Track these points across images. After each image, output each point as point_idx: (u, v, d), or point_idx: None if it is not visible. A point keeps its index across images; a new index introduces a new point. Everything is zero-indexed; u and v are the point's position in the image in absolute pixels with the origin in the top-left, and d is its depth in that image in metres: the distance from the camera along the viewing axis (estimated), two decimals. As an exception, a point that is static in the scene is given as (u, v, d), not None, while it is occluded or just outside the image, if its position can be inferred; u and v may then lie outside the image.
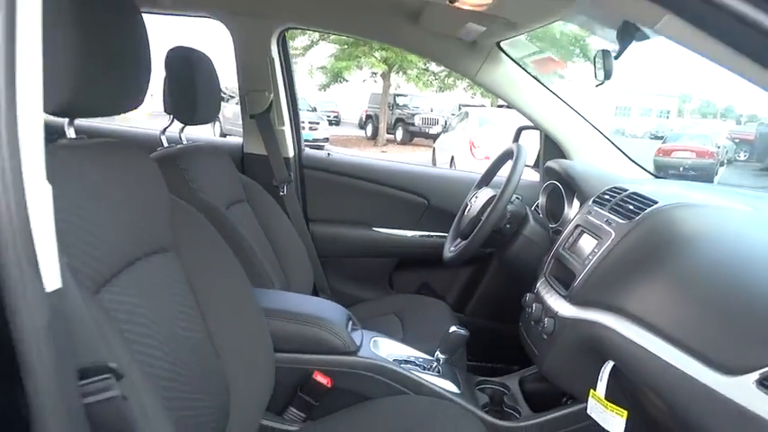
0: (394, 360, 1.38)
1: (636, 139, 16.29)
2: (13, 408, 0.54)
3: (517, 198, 1.72)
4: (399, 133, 17.10)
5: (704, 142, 13.27)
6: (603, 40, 1.55)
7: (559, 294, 1.32)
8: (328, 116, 17.05)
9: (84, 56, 0.77)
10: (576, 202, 1.60)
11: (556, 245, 1.48)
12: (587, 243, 1.33)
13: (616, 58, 1.45)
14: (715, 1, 0.54)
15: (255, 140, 2.05)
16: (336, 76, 16.32)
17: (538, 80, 1.92)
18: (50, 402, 0.53)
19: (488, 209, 1.57)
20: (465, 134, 9.35)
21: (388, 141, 16.68)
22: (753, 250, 1.03)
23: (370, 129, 18.32)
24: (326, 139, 13.01)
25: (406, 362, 1.40)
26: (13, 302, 0.51)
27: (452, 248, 1.75)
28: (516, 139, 2.25)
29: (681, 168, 11.62)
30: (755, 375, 0.80)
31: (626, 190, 1.36)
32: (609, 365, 1.15)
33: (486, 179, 1.86)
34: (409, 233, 2.16)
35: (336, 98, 19.33)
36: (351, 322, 1.40)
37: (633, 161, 1.94)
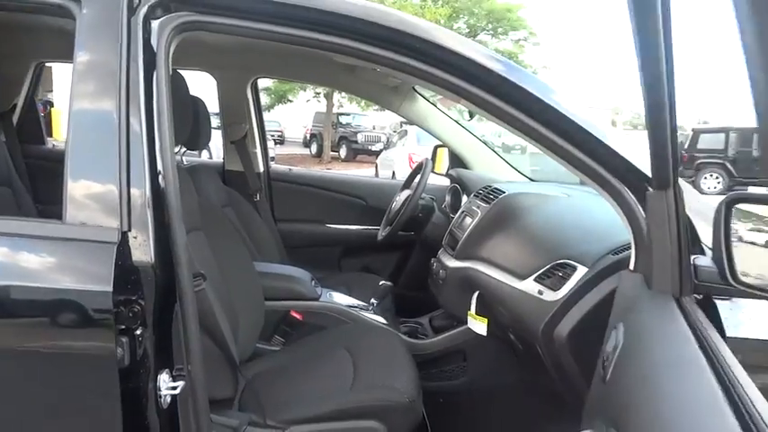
0: (345, 305, 2.06)
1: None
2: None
3: (431, 198, 2.45)
4: (343, 151, 17.60)
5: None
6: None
7: (450, 255, 2.03)
8: (272, 135, 17.37)
9: None
10: (465, 197, 2.33)
11: (450, 225, 2.20)
12: (467, 221, 2.05)
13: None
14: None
15: (234, 160, 2.71)
16: (281, 98, 16.63)
17: (443, 112, 2.66)
18: (188, 288, 1.16)
19: (406, 204, 2.28)
20: (405, 150, 10.14)
21: (333, 159, 17.15)
22: (550, 218, 1.77)
23: (314, 147, 18.72)
24: (272, 158, 13.41)
25: (351, 306, 2.08)
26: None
27: (383, 233, 2.45)
28: (433, 154, 2.98)
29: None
30: (533, 276, 1.53)
31: (490, 186, 2.09)
32: (476, 293, 1.86)
33: (407, 184, 2.57)
34: (353, 227, 2.84)
35: (280, 118, 19.63)
36: (314, 281, 2.06)
37: (513, 167, 2.69)
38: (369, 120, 19.63)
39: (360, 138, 17.36)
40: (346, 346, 1.75)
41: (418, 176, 2.46)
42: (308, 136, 19.80)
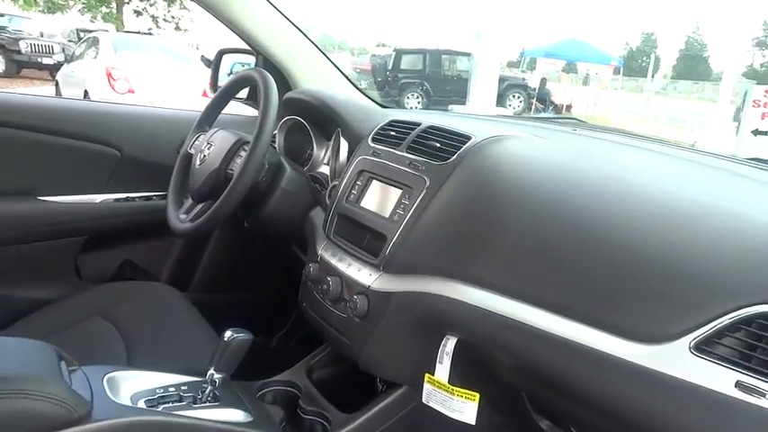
0: (147, 401, 0.91)
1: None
2: None
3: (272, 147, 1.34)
4: (1, 63, 13.86)
5: (334, 73, 14.53)
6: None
7: (366, 262, 1.04)
8: None
9: None
10: (343, 142, 1.30)
11: (334, 199, 1.17)
12: (386, 193, 1.07)
13: None
14: None
15: None
16: None
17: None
18: None
19: (243, 159, 1.16)
20: (99, 63, 7.98)
21: (-12, 74, 13.45)
22: (580, 184, 0.92)
23: (-45, 58, 14.44)
24: None
25: (164, 397, 0.94)
26: None
27: (184, 215, 1.29)
28: (217, 65, 1.84)
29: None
30: (689, 339, 0.68)
31: (418, 123, 1.13)
32: (451, 342, 0.94)
33: (210, 118, 1.41)
34: (98, 198, 1.54)
35: None
36: (63, 362, 0.86)
37: (363, 92, 1.73)
38: (33, 24, 15.70)
39: (23, 47, 13.65)
40: None
41: (231, 106, 1.34)
42: (-57, 43, 15.08)
